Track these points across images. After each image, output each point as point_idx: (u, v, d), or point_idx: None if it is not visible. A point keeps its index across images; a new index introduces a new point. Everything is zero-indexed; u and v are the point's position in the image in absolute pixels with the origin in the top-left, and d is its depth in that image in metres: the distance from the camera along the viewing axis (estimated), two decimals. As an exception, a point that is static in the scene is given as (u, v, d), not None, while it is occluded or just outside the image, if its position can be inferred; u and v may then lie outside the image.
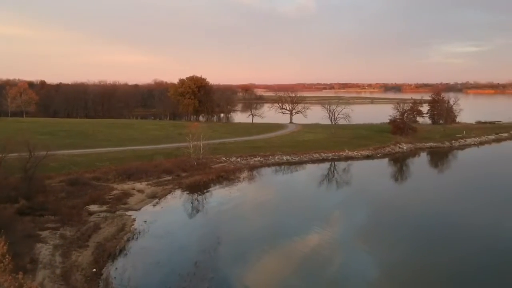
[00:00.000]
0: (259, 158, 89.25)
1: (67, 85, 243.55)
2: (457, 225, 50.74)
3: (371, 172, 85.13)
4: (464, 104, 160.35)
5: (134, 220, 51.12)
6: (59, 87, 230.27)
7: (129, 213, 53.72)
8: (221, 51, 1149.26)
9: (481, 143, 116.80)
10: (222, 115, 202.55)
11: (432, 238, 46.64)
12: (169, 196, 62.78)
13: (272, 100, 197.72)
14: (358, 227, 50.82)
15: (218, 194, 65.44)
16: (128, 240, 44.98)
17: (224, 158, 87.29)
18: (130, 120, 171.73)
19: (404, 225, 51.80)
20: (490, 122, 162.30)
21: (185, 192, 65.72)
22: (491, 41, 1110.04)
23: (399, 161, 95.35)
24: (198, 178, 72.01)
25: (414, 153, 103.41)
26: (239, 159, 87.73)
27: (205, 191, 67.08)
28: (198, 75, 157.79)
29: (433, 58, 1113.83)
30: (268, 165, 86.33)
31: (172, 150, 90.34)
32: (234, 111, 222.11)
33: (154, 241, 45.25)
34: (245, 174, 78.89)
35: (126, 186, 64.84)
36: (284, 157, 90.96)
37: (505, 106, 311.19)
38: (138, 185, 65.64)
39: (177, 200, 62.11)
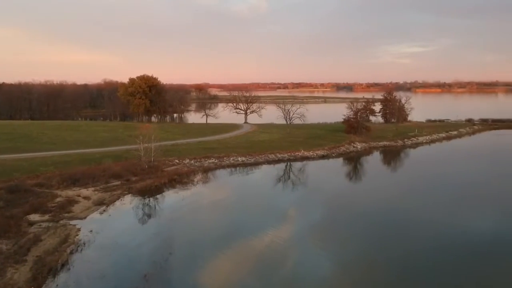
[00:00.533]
0: (213, 160, 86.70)
1: (10, 85, 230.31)
2: (407, 222, 51.67)
3: (326, 172, 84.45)
4: (414, 103, 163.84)
5: (78, 230, 47.67)
6: (1, 87, 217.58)
7: (73, 222, 50.16)
8: (173, 50, 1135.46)
9: (433, 141, 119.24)
10: (175, 115, 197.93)
11: (384, 235, 47.37)
12: (117, 203, 59.26)
13: (226, 100, 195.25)
14: (313, 226, 50.75)
15: (171, 199, 62.51)
16: (71, 252, 41.61)
17: (177, 161, 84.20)
18: (77, 121, 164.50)
19: (358, 222, 52.08)
20: (439, 121, 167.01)
21: (136, 198, 62.28)
22: (437, 42, 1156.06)
23: (354, 160, 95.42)
24: (149, 182, 68.70)
25: (368, 152, 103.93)
26: (192, 161, 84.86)
27: (157, 196, 63.91)
28: (150, 74, 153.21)
29: (383, 58, 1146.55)
30: (223, 167, 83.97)
31: (122, 152, 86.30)
32: (188, 111, 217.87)
33: (100, 253, 42.06)
34: (199, 176, 76.14)
35: (71, 192, 60.84)
36: (239, 158, 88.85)
37: (452, 104, 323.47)
38: (84, 191, 61.76)
39: (126, 206, 58.60)
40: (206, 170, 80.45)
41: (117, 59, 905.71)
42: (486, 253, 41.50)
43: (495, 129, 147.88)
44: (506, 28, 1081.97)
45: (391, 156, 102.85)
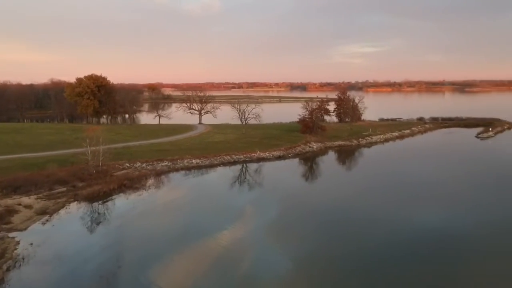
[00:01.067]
0: (166, 163, 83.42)
1: None
2: (361, 220, 52.21)
3: (282, 173, 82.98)
4: (367, 103, 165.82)
5: (17, 243, 43.83)
6: None
7: (12, 234, 46.11)
8: (125, 49, 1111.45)
9: (386, 140, 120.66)
10: (127, 116, 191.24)
11: (338, 232, 48.13)
12: (62, 211, 55.27)
13: (180, 100, 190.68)
14: (269, 226, 50.55)
15: (120, 206, 59.07)
16: (8, 269, 38.00)
17: (127, 164, 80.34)
18: (20, 123, 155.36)
19: (313, 220, 52.59)
20: (392, 119, 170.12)
21: (82, 206, 58.38)
22: (388, 42, 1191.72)
23: (310, 161, 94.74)
24: (97, 188, 64.71)
25: (324, 152, 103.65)
26: (144, 165, 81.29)
27: (105, 203, 60.21)
28: (99, 74, 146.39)
29: (335, 58, 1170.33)
30: (177, 170, 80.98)
31: (68, 157, 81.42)
32: (140, 111, 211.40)
33: (41, 269, 38.50)
34: (151, 181, 72.72)
35: (11, 201, 56.14)
36: (194, 161, 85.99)
37: (403, 103, 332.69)
38: (26, 200, 57.18)
39: (72, 215, 54.66)
40: (159, 174, 77.16)
41: (65, 59, 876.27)
42: (435, 249, 42.49)
43: (445, 127, 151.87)
44: (453, 29, 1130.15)
45: (346, 155, 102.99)
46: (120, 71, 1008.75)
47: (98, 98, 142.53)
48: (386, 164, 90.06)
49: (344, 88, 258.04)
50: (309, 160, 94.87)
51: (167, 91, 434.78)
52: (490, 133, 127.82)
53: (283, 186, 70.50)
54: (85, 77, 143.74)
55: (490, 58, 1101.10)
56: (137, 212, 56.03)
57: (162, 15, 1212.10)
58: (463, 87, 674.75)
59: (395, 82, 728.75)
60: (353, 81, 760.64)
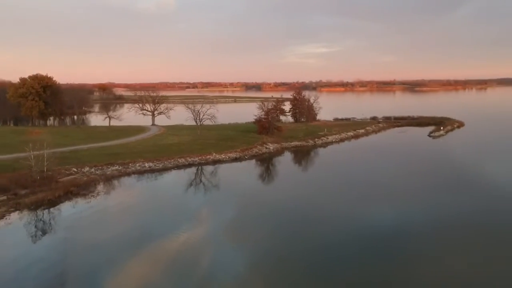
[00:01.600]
0: (117, 167, 79.55)
1: None
2: (316, 220, 52.54)
3: (239, 175, 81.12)
4: (321, 102, 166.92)
5: None
6: None
7: None
8: (75, 48, 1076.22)
9: (342, 140, 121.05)
10: (75, 118, 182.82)
11: (293, 233, 48.05)
12: (1, 223, 50.91)
13: (132, 100, 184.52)
14: (224, 228, 50.31)
15: (66, 214, 55.30)
16: None
17: (75, 169, 75.89)
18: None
19: (269, 222, 52.53)
20: (346, 119, 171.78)
21: (24, 215, 54.25)
22: (341, 43, 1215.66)
23: (267, 162, 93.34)
24: (41, 196, 60.45)
25: (280, 152, 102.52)
26: (93, 169, 77.09)
27: (50, 211, 56.31)
28: (46, 73, 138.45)
29: (289, 58, 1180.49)
30: (128, 174, 77.34)
31: (11, 162, 75.78)
32: (90, 113, 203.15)
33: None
34: (100, 186, 68.87)
35: None
36: (146, 164, 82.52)
37: (357, 103, 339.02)
38: (-41, 211, 52.33)
39: (13, 226, 50.55)
40: (109, 179, 73.37)
41: (8, 58, 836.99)
42: (387, 246, 43.37)
43: (398, 126, 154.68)
44: (403, 29, 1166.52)
45: (303, 156, 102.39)
46: (70, 71, 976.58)
47: (43, 99, 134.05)
48: (342, 164, 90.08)
49: (298, 88, 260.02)
50: (266, 162, 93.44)
51: (119, 91, 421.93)
52: (442, 132, 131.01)
53: (239, 189, 69.05)
54: (30, 77, 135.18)
55: (438, 58, 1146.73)
56: (85, 220, 52.49)
57: (116, 13, 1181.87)
58: (413, 86, 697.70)
59: (347, 82, 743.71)
60: (307, 81, 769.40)
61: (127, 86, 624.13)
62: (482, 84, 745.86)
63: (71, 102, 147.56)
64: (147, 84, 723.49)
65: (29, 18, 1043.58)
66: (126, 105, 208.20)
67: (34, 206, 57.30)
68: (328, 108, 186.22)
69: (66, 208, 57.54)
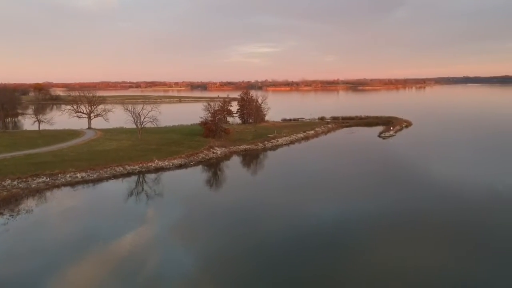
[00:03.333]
0: (44, 179, 69.72)
1: None
2: (263, 221, 52.70)
3: (184, 184, 73.39)
4: (269, 102, 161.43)
5: None
6: None
7: None
8: (10, 46, 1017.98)
9: (292, 142, 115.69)
10: (7, 120, 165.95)
11: (240, 236, 47.42)
12: None
13: (70, 101, 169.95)
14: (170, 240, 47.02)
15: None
16: None
17: (-8, 183, 65.44)
18: None
19: (216, 227, 51.11)
20: (294, 119, 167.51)
21: None
22: (284, 43, 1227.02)
23: (214, 168, 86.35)
24: None
25: (228, 157, 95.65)
26: (16, 182, 67.03)
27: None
28: None
29: (234, 58, 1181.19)
30: (57, 187, 67.99)
31: None
32: (23, 115, 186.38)
33: None
34: (22, 203, 59.13)
35: None
36: (79, 175, 73.11)
37: (303, 102, 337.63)
38: None
39: None
40: (33, 193, 63.73)
41: None
42: (331, 242, 44.94)
43: (347, 126, 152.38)
44: (345, 30, 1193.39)
45: (252, 160, 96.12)
46: (5, 71, 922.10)
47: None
48: (292, 168, 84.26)
49: (243, 87, 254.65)
50: (213, 168, 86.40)
51: (58, 91, 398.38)
52: (391, 132, 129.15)
53: (184, 200, 62.42)
54: None
55: (379, 58, 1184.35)
56: (-5, 250, 43.27)
57: (54, 11, 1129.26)
58: (355, 85, 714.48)
59: (292, 81, 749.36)
60: (252, 81, 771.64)
61: (66, 86, 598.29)
62: (421, 83, 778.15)
63: (3, 104, 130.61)
64: (87, 84, 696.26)
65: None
66: (63, 106, 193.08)
67: None
68: (275, 108, 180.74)
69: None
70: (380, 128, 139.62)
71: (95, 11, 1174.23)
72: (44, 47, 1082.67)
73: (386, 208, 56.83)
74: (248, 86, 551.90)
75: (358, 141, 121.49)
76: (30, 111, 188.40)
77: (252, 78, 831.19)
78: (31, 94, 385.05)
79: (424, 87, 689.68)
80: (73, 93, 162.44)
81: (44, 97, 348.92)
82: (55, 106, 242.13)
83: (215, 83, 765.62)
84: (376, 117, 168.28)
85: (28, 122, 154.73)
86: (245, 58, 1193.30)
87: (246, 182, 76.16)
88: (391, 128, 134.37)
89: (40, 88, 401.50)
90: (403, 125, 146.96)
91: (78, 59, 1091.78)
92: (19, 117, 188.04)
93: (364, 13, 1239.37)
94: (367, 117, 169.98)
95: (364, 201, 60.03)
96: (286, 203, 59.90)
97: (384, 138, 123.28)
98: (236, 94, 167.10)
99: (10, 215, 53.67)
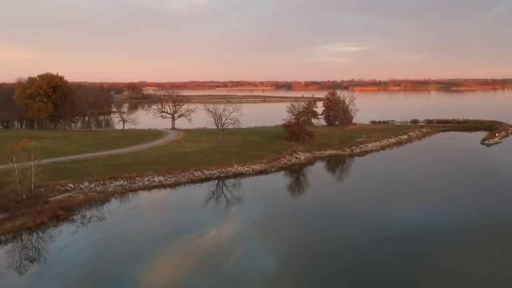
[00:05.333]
0: (121, 182, 67.87)
1: None
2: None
3: (262, 191, 67.85)
4: (356, 103, 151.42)
5: None
6: None
7: None
8: (107, 48, 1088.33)
9: (383, 148, 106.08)
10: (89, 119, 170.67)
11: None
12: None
13: (157, 100, 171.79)
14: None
15: (37, 253, 43.28)
16: None
17: (71, 185, 64.72)
18: None
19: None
20: (384, 122, 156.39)
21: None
22: (371, 42, 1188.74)
23: (296, 175, 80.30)
24: (19, 223, 49.21)
25: (312, 163, 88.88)
26: (93, 185, 65.70)
27: (17, 248, 44.28)
28: (79, 72, 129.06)
29: (319, 57, 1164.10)
30: (134, 191, 65.64)
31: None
32: (109, 114, 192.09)
33: None
34: (96, 208, 56.99)
35: None
36: (156, 179, 70.54)
37: (392, 103, 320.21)
38: None
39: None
40: (108, 198, 61.59)
41: (39, 56, 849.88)
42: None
43: (443, 131, 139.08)
44: (435, 28, 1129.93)
45: (338, 167, 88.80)
46: (102, 69, 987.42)
47: (52, 101, 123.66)
48: (383, 180, 74.09)
49: (330, 87, 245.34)
50: (295, 175, 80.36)
51: (150, 90, 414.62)
52: (496, 139, 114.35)
53: (262, 207, 57.79)
54: (39, 76, 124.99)
55: (474, 56, 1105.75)
56: (56, 268, 40.30)
57: (147, 14, 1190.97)
58: (449, 86, 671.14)
59: (380, 81, 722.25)
60: (338, 80, 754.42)
61: (158, 85, 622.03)
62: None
63: (87, 103, 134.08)
64: (177, 83, 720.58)
65: (64, 19, 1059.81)
66: (150, 105, 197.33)
67: (9, 236, 46.06)
68: (363, 109, 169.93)
69: (42, 243, 45.75)
70: (481, 134, 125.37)
71: (187, 13, 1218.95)
72: (139, 48, 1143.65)
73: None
74: (334, 86, 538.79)
75: (458, 148, 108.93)
76: (117, 110, 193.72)
77: (337, 77, 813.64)
78: (125, 93, 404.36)
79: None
80: (157, 93, 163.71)
81: (136, 96, 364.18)
82: (145, 105, 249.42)
83: (299, 83, 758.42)
84: (476, 121, 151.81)
85: (115, 121, 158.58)
86: (330, 57, 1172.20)
87: (330, 191, 69.67)
88: (496, 134, 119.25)
89: (134, 87, 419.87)
90: (509, 131, 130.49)
91: (169, 59, 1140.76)
92: (106, 116, 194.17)
93: (453, 11, 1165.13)
94: (466, 121, 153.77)
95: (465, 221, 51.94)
96: (371, 217, 53.45)
97: (488, 145, 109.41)
98: (321, 94, 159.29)
99: (80, 223, 51.23)
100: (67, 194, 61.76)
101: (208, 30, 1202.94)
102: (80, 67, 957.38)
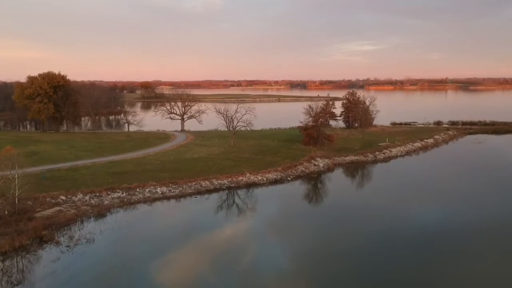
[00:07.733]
0: (120, 193, 60.58)
1: None
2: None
3: (276, 206, 60.33)
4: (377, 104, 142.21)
5: None
6: None
7: None
8: (122, 46, 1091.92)
9: (408, 153, 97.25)
10: (102, 119, 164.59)
11: None
12: None
13: (168, 99, 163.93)
14: None
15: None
16: None
17: (63, 197, 57.61)
18: None
19: None
20: (406, 124, 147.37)
21: None
22: (387, 40, 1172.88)
23: (316, 185, 72.39)
24: (-4, 246, 41.84)
25: (332, 170, 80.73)
26: (87, 197, 58.50)
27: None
28: (94, 72, 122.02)
29: (334, 56, 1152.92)
30: (133, 204, 58.31)
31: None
32: (115, 114, 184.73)
33: None
34: (87, 226, 49.64)
35: None
36: (159, 189, 63.09)
37: (411, 103, 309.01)
38: None
39: None
40: (104, 212, 54.27)
41: (57, 55, 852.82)
42: None
43: (470, 133, 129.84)
44: (453, 27, 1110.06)
45: (361, 175, 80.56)
46: (117, 69, 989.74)
47: (54, 101, 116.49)
48: (413, 195, 65.64)
49: (345, 86, 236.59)
50: (315, 185, 72.35)
51: (165, 90, 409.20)
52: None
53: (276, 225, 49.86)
54: (39, 75, 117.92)
55: (492, 55, 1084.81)
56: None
57: (163, 13, 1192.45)
58: (466, 85, 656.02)
59: (396, 80, 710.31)
60: (353, 79, 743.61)
61: (173, 84, 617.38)
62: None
63: (92, 104, 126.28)
64: (192, 82, 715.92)
65: (80, 18, 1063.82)
66: (160, 105, 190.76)
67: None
68: (382, 110, 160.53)
69: (15, 274, 38.42)
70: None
71: (202, 13, 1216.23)
72: (154, 47, 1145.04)
73: None
74: (349, 85, 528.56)
75: (490, 153, 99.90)
76: (122, 110, 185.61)
77: (352, 76, 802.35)
78: (138, 92, 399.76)
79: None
80: (169, 92, 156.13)
81: (149, 95, 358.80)
82: (158, 104, 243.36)
83: (314, 82, 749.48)
84: (505, 123, 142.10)
85: (123, 122, 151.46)
86: (346, 56, 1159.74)
87: (356, 207, 60.12)
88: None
89: (147, 86, 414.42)
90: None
91: (184, 58, 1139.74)
92: (116, 116, 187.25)
93: (471, 10, 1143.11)
94: (493, 123, 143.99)
95: None
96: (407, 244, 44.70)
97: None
98: (336, 93, 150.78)
99: (66, 246, 43.79)
100: (57, 208, 54.56)
101: (222, 30, 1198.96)
102: (96, 66, 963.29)
